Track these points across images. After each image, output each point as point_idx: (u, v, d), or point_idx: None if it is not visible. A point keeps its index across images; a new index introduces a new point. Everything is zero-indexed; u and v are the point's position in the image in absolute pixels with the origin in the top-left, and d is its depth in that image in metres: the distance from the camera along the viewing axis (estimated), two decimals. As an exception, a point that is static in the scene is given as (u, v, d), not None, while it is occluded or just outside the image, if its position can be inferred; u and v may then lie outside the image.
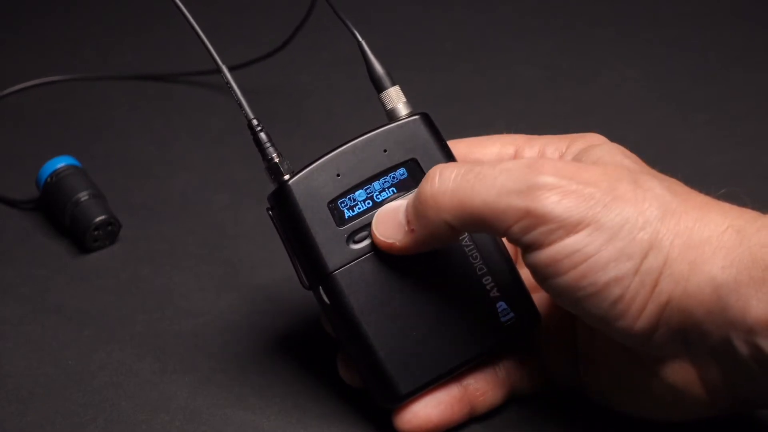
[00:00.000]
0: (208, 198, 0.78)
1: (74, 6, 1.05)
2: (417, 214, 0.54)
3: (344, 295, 0.56)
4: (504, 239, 0.57)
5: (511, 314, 0.57)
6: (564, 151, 0.58)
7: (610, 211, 0.51)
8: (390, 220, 0.56)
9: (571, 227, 0.51)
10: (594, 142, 0.57)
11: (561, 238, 0.51)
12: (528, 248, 0.52)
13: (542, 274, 0.52)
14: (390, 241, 0.56)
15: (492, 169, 0.53)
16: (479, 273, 0.57)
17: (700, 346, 0.51)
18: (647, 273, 0.51)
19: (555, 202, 0.51)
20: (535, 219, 0.51)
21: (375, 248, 0.56)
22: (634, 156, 0.56)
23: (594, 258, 0.51)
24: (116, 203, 0.74)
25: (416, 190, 0.55)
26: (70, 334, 0.65)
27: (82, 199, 0.73)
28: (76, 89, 0.91)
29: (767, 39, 0.96)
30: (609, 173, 0.52)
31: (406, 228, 0.55)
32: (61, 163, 0.75)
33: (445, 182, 0.53)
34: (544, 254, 0.51)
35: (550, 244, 0.51)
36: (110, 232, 0.72)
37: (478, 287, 0.57)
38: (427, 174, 0.54)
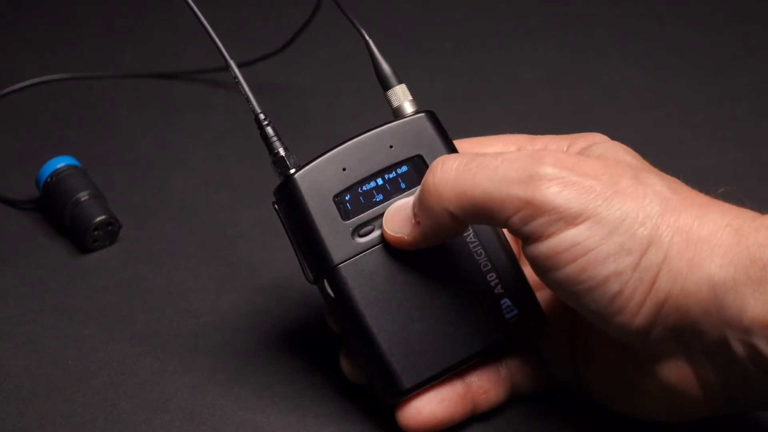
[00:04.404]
0: (208, 198, 0.78)
1: (74, 6, 1.04)
2: (421, 205, 0.55)
3: (349, 289, 0.56)
4: (506, 232, 0.57)
5: (515, 311, 0.57)
6: (566, 149, 0.58)
7: (610, 205, 0.51)
8: (399, 215, 0.56)
9: (571, 219, 0.51)
10: (596, 140, 0.58)
11: (561, 229, 0.51)
12: (528, 239, 0.52)
13: (542, 267, 0.52)
14: (399, 235, 0.56)
15: (494, 159, 0.53)
16: (484, 269, 0.57)
17: (697, 344, 0.51)
18: (646, 269, 0.51)
19: (555, 193, 0.51)
20: (535, 209, 0.51)
21: (380, 242, 0.56)
22: (636, 154, 0.56)
23: (594, 252, 0.51)
24: (116, 203, 0.74)
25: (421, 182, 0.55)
26: (70, 334, 0.65)
27: (82, 199, 0.72)
28: (76, 89, 0.91)
29: (767, 39, 0.96)
30: (610, 167, 0.52)
31: (413, 221, 0.55)
32: (61, 163, 0.75)
33: (447, 172, 0.54)
34: (544, 246, 0.51)
35: (549, 235, 0.51)
36: (110, 232, 0.72)
37: (483, 283, 0.57)
38: (430, 165, 0.55)
